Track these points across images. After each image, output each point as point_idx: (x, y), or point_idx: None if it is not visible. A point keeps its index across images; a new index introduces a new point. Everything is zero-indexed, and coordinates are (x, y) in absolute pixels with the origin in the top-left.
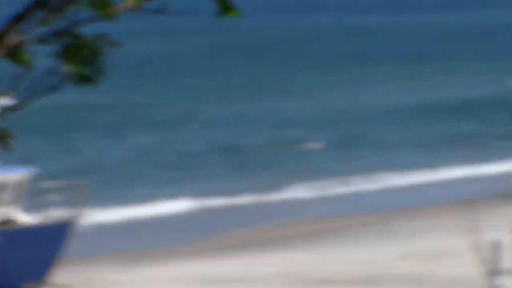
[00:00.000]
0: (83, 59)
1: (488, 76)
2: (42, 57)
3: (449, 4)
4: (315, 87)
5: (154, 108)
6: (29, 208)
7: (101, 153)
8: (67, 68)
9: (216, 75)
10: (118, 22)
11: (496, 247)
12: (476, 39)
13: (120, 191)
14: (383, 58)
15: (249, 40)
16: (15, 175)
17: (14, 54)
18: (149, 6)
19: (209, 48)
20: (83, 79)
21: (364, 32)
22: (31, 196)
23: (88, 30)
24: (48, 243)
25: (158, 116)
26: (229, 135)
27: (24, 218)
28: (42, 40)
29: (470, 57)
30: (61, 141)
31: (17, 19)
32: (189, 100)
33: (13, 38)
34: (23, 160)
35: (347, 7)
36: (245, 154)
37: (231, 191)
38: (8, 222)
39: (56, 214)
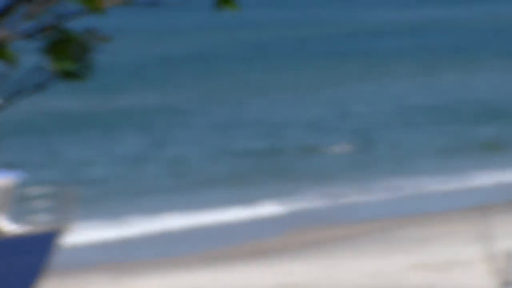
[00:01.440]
0: (70, 55)
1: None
2: (29, 53)
3: None
4: (327, 85)
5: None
6: (15, 216)
7: (88, 160)
8: (54, 64)
9: (218, 75)
10: (115, 17)
11: (509, 256)
12: (504, 34)
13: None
14: (402, 54)
15: (252, 37)
16: (0, 180)
17: None
18: None
19: (213, 45)
20: (71, 75)
21: (383, 28)
22: (17, 203)
23: (77, 25)
24: (35, 253)
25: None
26: (236, 138)
27: (9, 226)
28: (28, 35)
29: (496, 53)
30: (64, 146)
31: (2, 14)
32: (195, 99)
33: None
34: (9, 165)
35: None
36: (255, 160)
37: (242, 200)
38: None
39: (43, 222)
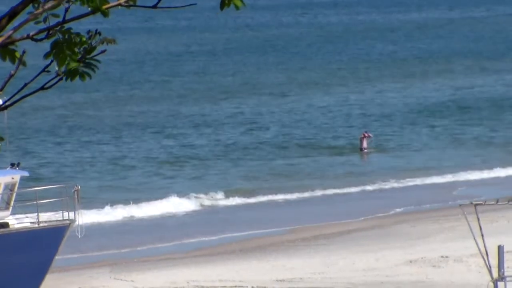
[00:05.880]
0: (75, 56)
1: None
2: (34, 54)
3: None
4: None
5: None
6: (21, 212)
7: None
8: (59, 65)
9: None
10: (115, 18)
11: (502, 252)
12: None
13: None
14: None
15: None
16: (6, 178)
17: (6, 51)
18: (143, 1)
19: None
20: (76, 76)
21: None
22: (22, 200)
23: (82, 27)
24: (41, 249)
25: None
26: (237, 134)
27: (15, 222)
28: (34, 37)
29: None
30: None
31: (9, 16)
32: (224, 96)
33: (5, 35)
34: (14, 163)
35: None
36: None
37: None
38: None
39: (48, 218)
